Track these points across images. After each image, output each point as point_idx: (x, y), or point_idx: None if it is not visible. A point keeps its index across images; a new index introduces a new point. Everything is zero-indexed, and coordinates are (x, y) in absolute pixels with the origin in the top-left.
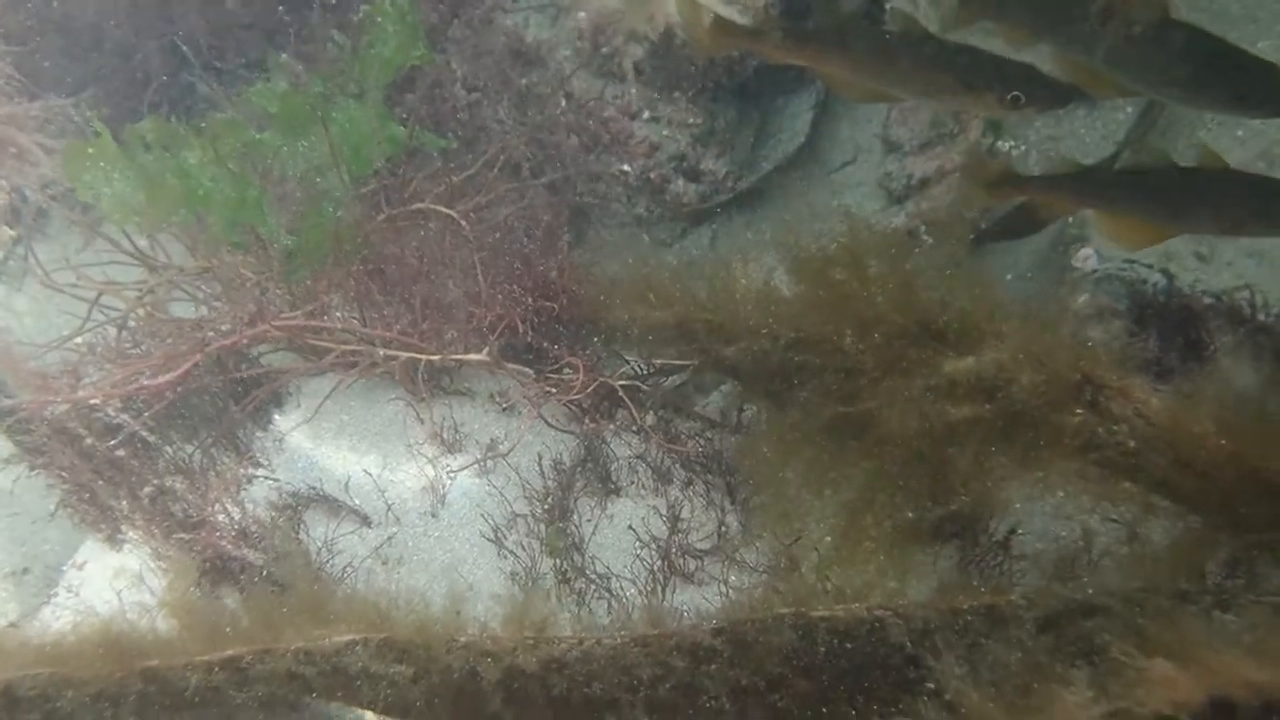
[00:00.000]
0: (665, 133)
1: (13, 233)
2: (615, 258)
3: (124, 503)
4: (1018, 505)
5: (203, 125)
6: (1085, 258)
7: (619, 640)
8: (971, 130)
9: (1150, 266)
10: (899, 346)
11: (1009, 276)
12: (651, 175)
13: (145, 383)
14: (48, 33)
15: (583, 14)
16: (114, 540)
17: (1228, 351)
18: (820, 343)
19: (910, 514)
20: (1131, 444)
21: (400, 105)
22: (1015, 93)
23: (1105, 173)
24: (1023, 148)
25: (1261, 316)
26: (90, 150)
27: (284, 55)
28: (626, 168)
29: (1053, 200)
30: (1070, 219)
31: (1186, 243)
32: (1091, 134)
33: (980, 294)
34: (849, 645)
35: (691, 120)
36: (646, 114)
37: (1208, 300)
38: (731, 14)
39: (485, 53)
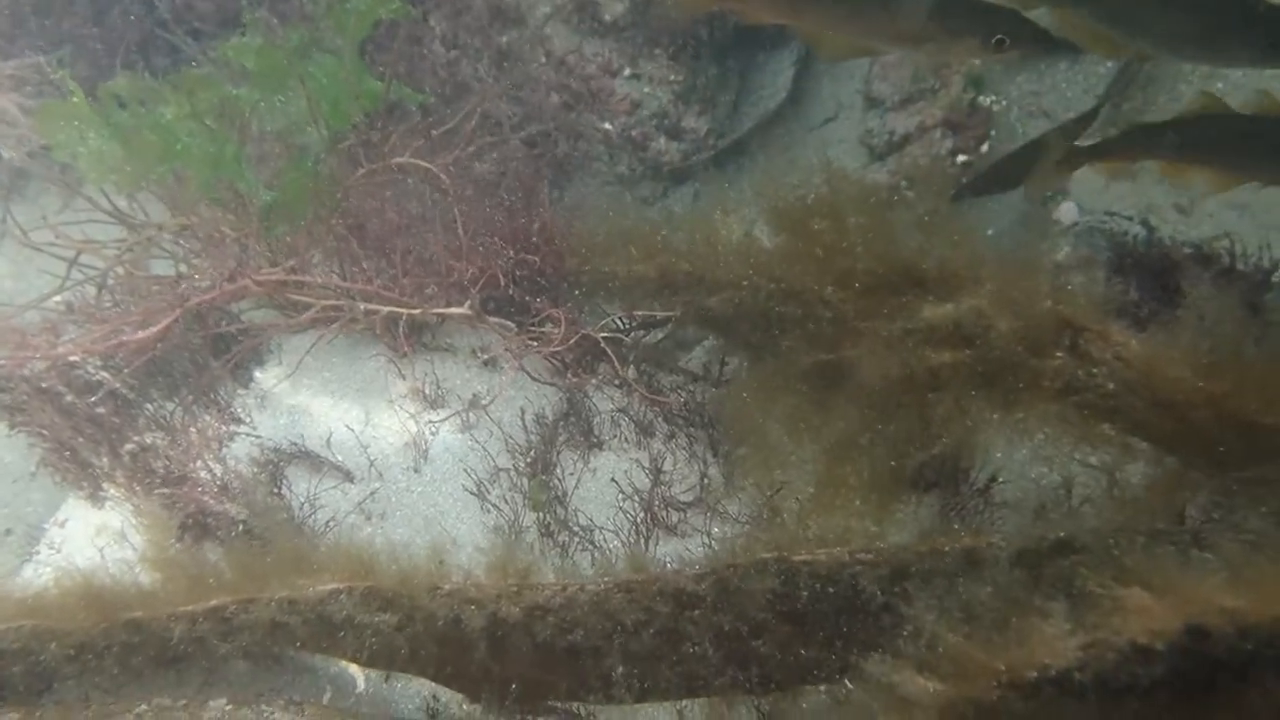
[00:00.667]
0: (646, 90)
1: None
2: (597, 215)
3: (105, 460)
4: (998, 454)
5: (178, 81)
6: (1066, 211)
7: (602, 586)
8: (953, 85)
9: (1131, 219)
10: (879, 295)
11: (990, 231)
12: (633, 133)
13: (125, 339)
14: None
15: None
16: (95, 498)
17: (1205, 297)
18: (801, 293)
19: (892, 461)
20: (1110, 386)
21: (378, 63)
22: (999, 36)
23: (1172, 126)
24: (1004, 103)
25: (1240, 265)
26: (65, 109)
27: (259, 10)
28: (608, 125)
29: (1128, 158)
30: None
31: (1167, 194)
32: (1073, 88)
33: (960, 243)
34: (831, 590)
35: (673, 77)
36: (628, 71)
37: (1187, 250)
38: None
39: (464, 10)
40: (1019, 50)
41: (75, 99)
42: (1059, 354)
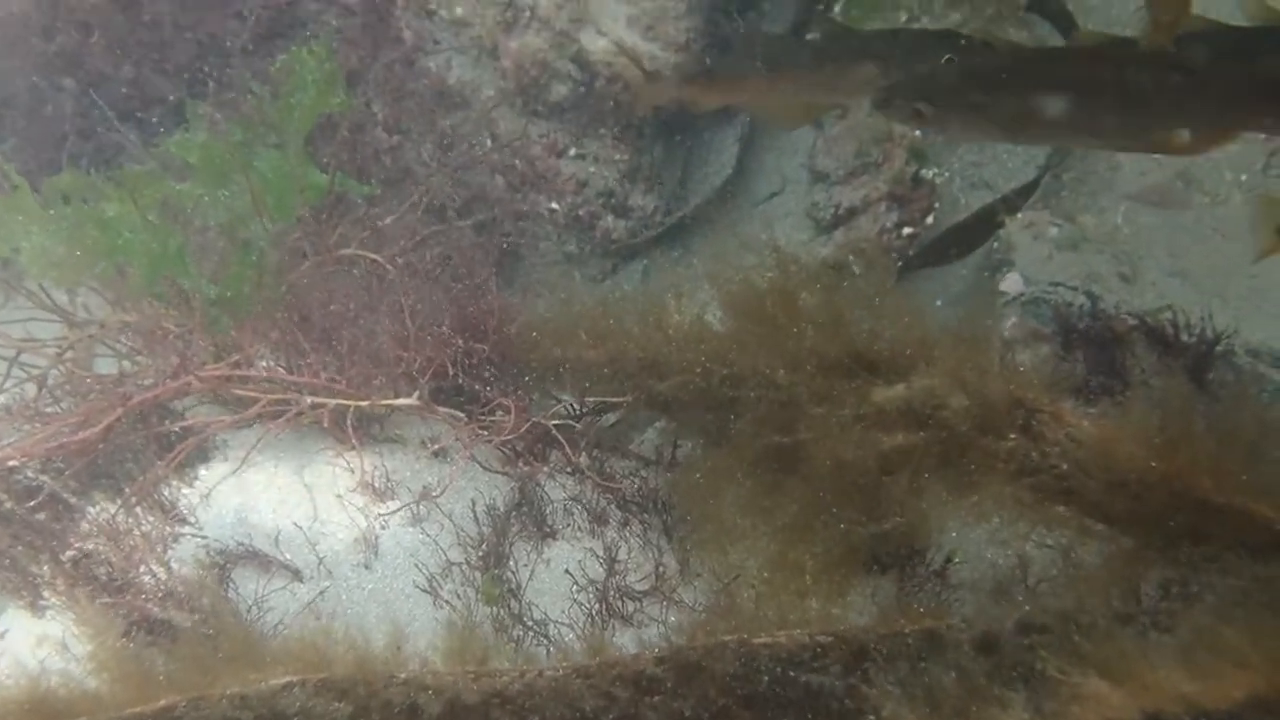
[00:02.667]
0: (592, 169)
1: None
2: (546, 296)
3: (46, 568)
4: (954, 533)
5: (121, 177)
6: (1011, 282)
7: (561, 671)
8: (896, 159)
9: (1075, 289)
10: (831, 377)
11: (938, 302)
12: (580, 212)
13: (66, 440)
14: None
15: (507, 61)
16: (36, 607)
17: (1152, 373)
18: (752, 377)
19: (848, 543)
20: (1064, 467)
21: (322, 151)
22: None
23: None
24: (946, 175)
25: (1185, 337)
26: (9, 203)
27: (202, 105)
28: (554, 205)
29: None
30: (995, 244)
31: (1110, 264)
32: (1013, 159)
33: (909, 322)
34: (791, 672)
35: (618, 156)
36: (573, 151)
37: (1131, 321)
38: (654, 50)
39: (407, 95)
40: None
41: (20, 193)
42: (1012, 435)
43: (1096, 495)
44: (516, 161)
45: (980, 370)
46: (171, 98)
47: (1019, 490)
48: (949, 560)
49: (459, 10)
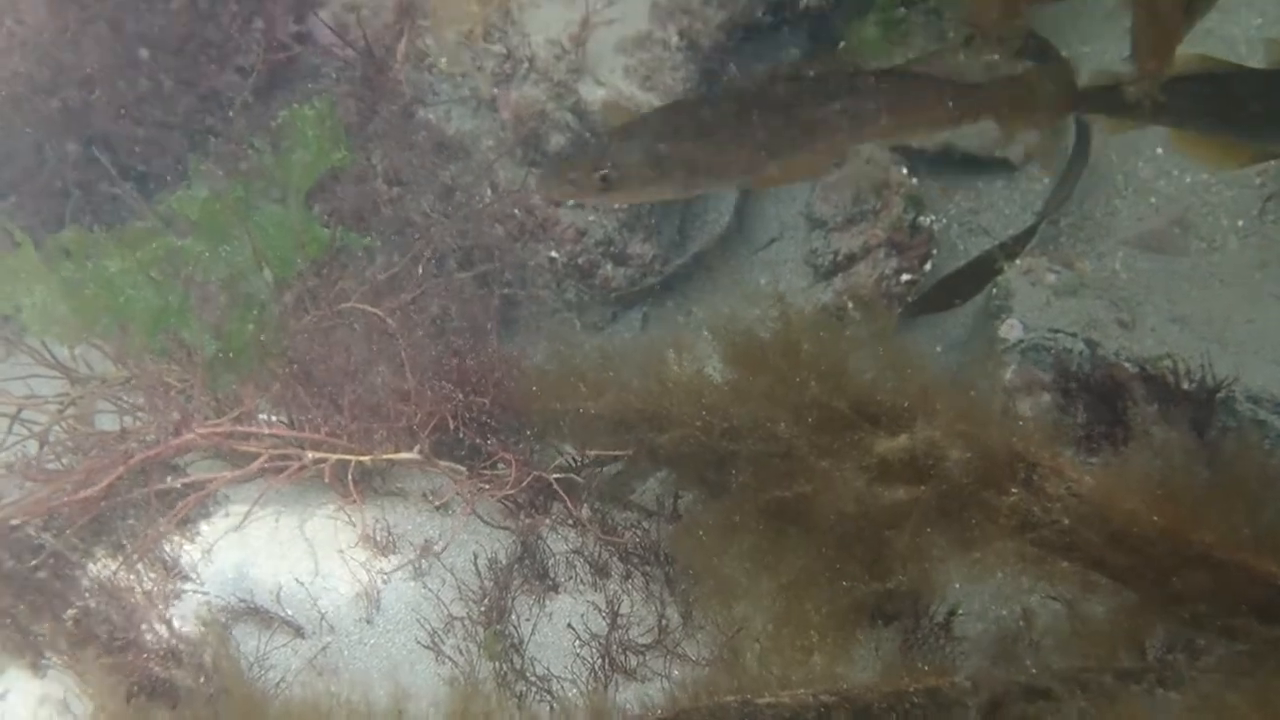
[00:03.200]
0: (591, 218)
1: None
2: (546, 345)
3: (47, 627)
4: (957, 586)
5: (123, 234)
6: (1011, 328)
7: None
8: (894, 206)
9: (1074, 335)
10: (832, 429)
11: (939, 349)
12: (579, 261)
13: (67, 499)
14: None
15: (506, 112)
16: (38, 667)
17: (1152, 422)
18: (753, 430)
19: (851, 597)
20: (1066, 522)
21: (322, 204)
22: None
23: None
24: (944, 221)
25: (1185, 385)
26: (12, 261)
27: (204, 162)
28: (554, 254)
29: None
30: (994, 290)
31: (1109, 310)
32: (1010, 205)
33: (910, 372)
34: None
35: (617, 205)
36: (572, 200)
37: (1132, 369)
38: (651, 100)
39: (407, 147)
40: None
41: (23, 250)
42: (1014, 490)
43: (1099, 550)
44: (516, 211)
45: (981, 422)
46: (173, 153)
47: (1021, 545)
48: (953, 613)
49: (458, 62)
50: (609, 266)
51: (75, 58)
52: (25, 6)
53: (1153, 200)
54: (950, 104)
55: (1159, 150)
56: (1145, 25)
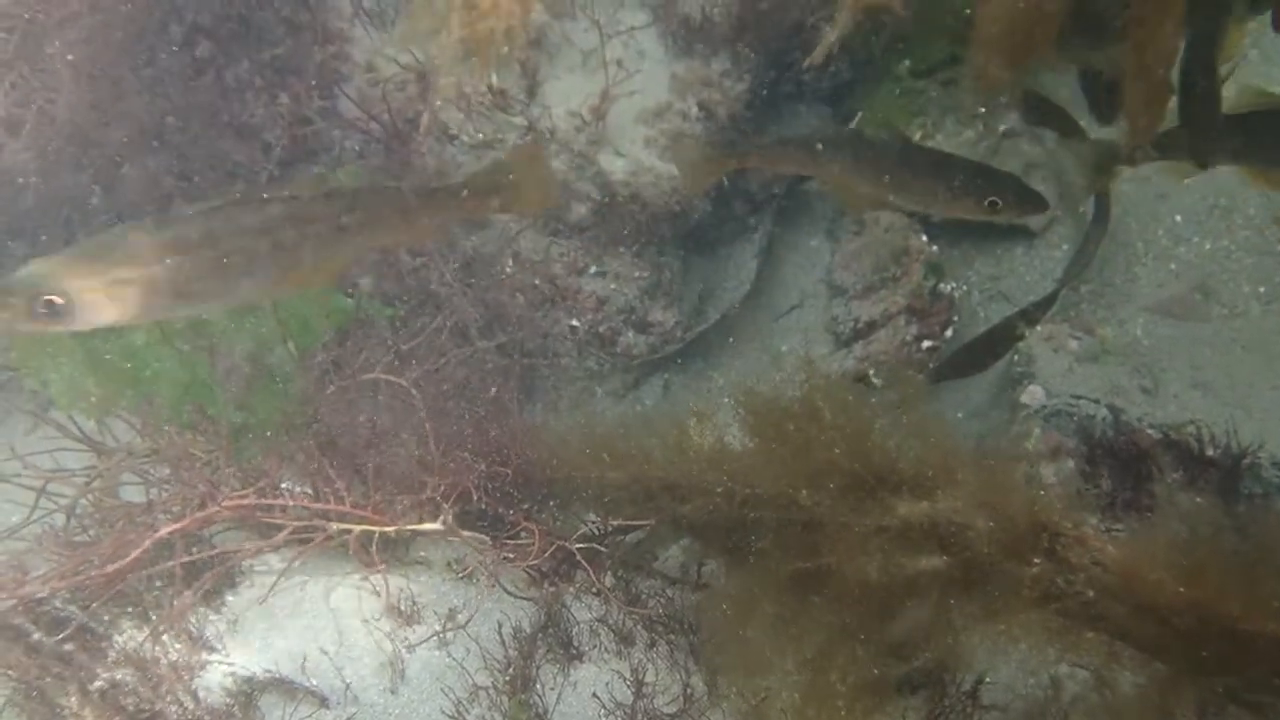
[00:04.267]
0: (613, 286)
1: None
2: (568, 413)
3: (74, 699)
4: (983, 656)
5: None
6: (1033, 394)
7: None
8: (914, 273)
9: (1097, 402)
10: (855, 497)
11: (960, 414)
12: (601, 329)
13: (94, 573)
14: None
15: None
16: None
17: (1177, 489)
18: (776, 498)
19: (875, 669)
20: (1091, 594)
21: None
22: (993, 198)
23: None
24: (965, 288)
25: (1210, 451)
26: (39, 338)
27: None
28: (575, 322)
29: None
30: (1015, 357)
31: (1131, 376)
32: (1030, 272)
33: (933, 441)
34: None
35: (638, 273)
36: (593, 269)
37: (1155, 435)
38: (671, 171)
39: None
40: (1011, 214)
41: None
42: (1037, 560)
43: (1125, 621)
44: (537, 280)
45: (1004, 490)
46: None
47: (1046, 616)
48: (980, 680)
49: (480, 134)
50: (630, 334)
51: (105, 133)
52: (58, 84)
53: (1173, 266)
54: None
55: (1178, 218)
56: (1136, 85)
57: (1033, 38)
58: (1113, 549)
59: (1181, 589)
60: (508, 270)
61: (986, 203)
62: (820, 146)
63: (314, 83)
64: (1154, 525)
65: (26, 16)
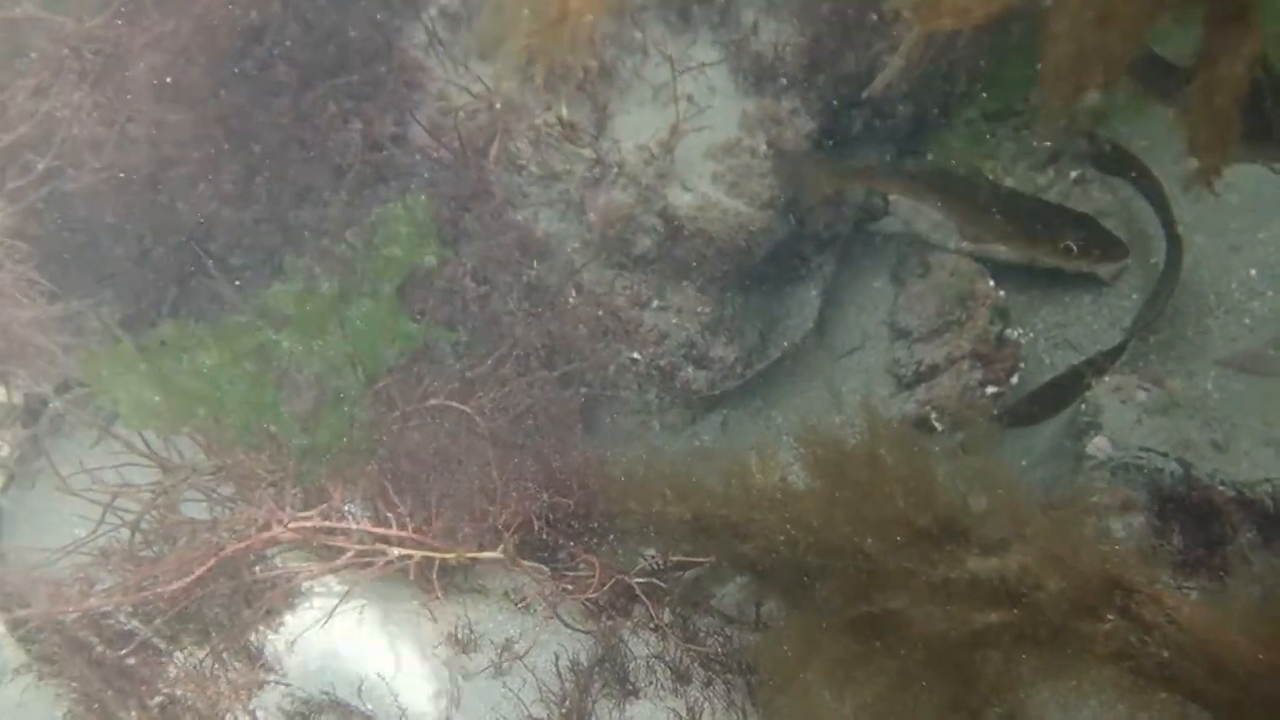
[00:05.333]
0: (674, 321)
1: (27, 432)
2: (627, 446)
3: (133, 713)
4: (1053, 711)
5: (220, 328)
6: (1099, 445)
7: None
8: (979, 318)
9: (1166, 455)
10: (921, 547)
11: (1024, 462)
12: (661, 363)
13: (158, 590)
14: (68, 235)
15: (594, 215)
16: None
17: (1251, 549)
18: (839, 545)
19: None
20: (1165, 653)
21: (413, 299)
22: (1068, 243)
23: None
24: (1031, 335)
25: None
26: (110, 355)
27: (300, 258)
28: (636, 355)
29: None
30: (1082, 406)
31: (1201, 430)
32: (1098, 321)
33: (1001, 493)
34: None
35: (700, 309)
36: (656, 303)
37: (1228, 492)
38: (738, 206)
39: (496, 246)
40: (1088, 259)
41: (122, 346)
42: (1110, 616)
43: (1200, 682)
44: (600, 311)
45: (1074, 544)
46: (269, 247)
47: (1118, 674)
48: None
49: (549, 165)
50: (690, 369)
51: (181, 154)
52: (138, 105)
53: (1247, 321)
54: None
55: (1252, 271)
56: (1201, 126)
57: (1100, 61)
58: (1188, 608)
59: (1260, 654)
60: (571, 300)
61: (1063, 246)
62: (917, 176)
63: (387, 109)
64: (1230, 586)
65: (114, 39)
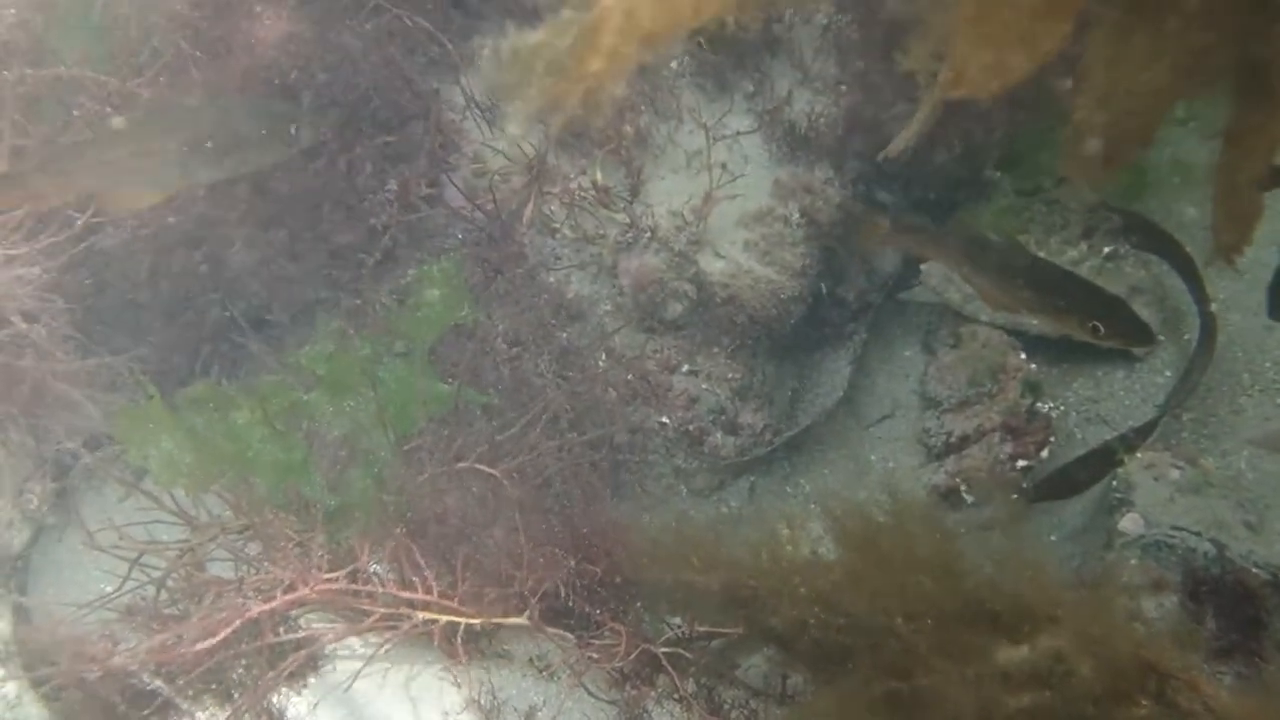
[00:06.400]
0: (704, 386)
1: (56, 485)
2: (654, 510)
3: None
4: None
5: (252, 387)
6: (1131, 522)
7: None
8: (1010, 390)
9: (1199, 535)
10: (952, 628)
11: (1054, 537)
12: (690, 428)
13: (182, 650)
14: (104, 291)
15: (626, 279)
16: None
17: None
18: (869, 627)
19: None
20: None
21: (444, 360)
22: (1095, 323)
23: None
24: (1062, 408)
25: None
26: (142, 412)
27: (334, 318)
28: (665, 419)
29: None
30: (1114, 482)
31: (1235, 511)
32: (1131, 396)
33: (1031, 573)
34: None
35: (730, 375)
36: (686, 367)
37: (1263, 575)
38: (770, 275)
39: (528, 308)
40: (1114, 341)
41: (154, 403)
42: (1144, 701)
43: None
44: (630, 375)
45: (1107, 625)
46: (302, 307)
47: None
48: None
49: (582, 229)
50: (719, 435)
51: (219, 213)
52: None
53: None
54: None
55: None
56: (1225, 203)
57: (1123, 141)
58: (1225, 695)
59: None
60: (601, 364)
61: (1090, 325)
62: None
63: (423, 171)
64: (1265, 672)
65: (152, 98)
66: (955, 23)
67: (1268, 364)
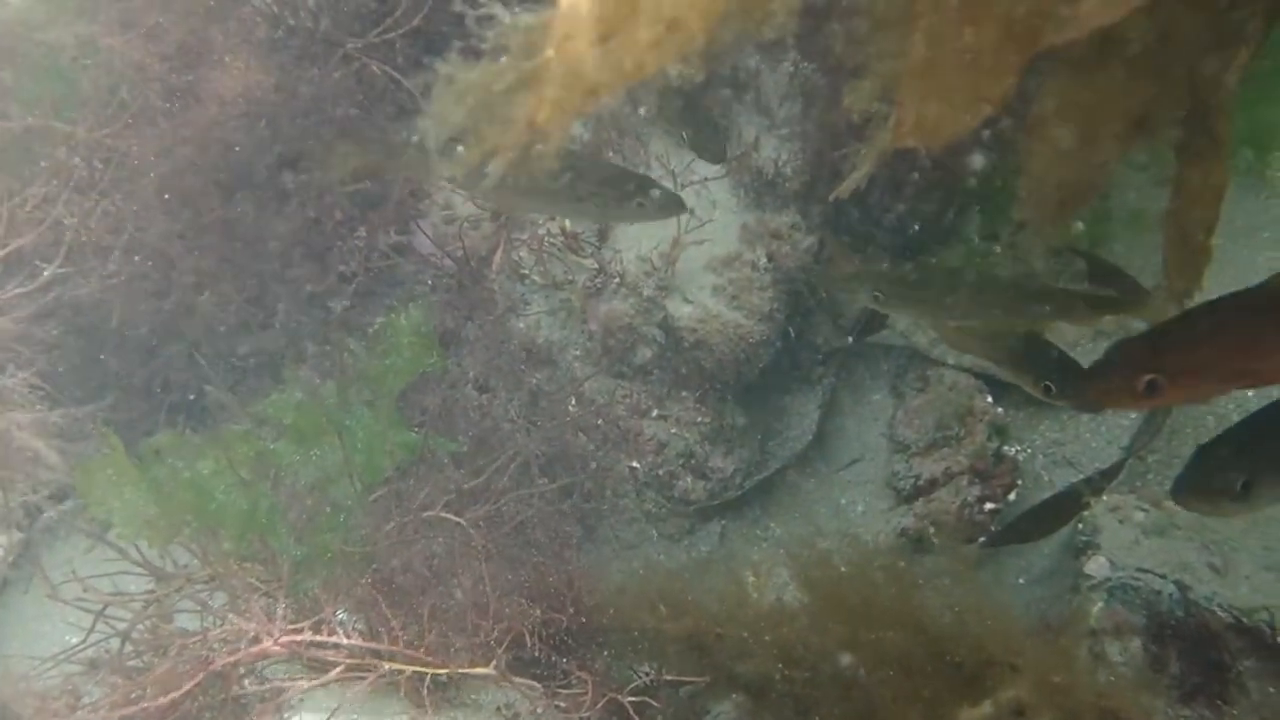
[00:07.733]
0: (674, 430)
1: (21, 536)
2: (624, 556)
3: None
4: None
5: (217, 437)
6: (1097, 566)
7: None
8: (978, 433)
9: (1164, 577)
10: (914, 676)
11: (1020, 580)
12: (660, 472)
13: (147, 704)
14: (72, 341)
15: (595, 324)
16: None
17: (1249, 677)
18: (834, 671)
19: None
20: None
21: (412, 407)
22: (1048, 383)
23: None
24: (1029, 451)
25: None
26: (104, 465)
27: (300, 366)
28: (635, 464)
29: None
30: (1080, 525)
31: (1199, 553)
32: (1096, 438)
33: (991, 622)
34: None
35: (700, 419)
36: (655, 412)
37: (1226, 618)
38: (738, 319)
39: (498, 354)
40: (1064, 401)
41: (116, 455)
42: None
43: None
44: (599, 421)
45: (1069, 672)
46: (269, 355)
47: None
48: None
49: (551, 275)
50: (689, 479)
51: (187, 262)
52: (144, 213)
53: None
54: None
55: (1250, 393)
56: (1175, 248)
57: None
58: None
59: None
60: (571, 409)
61: (1042, 386)
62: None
63: (393, 219)
64: (1228, 716)
65: (123, 149)
66: (902, 74)
67: (1231, 405)
